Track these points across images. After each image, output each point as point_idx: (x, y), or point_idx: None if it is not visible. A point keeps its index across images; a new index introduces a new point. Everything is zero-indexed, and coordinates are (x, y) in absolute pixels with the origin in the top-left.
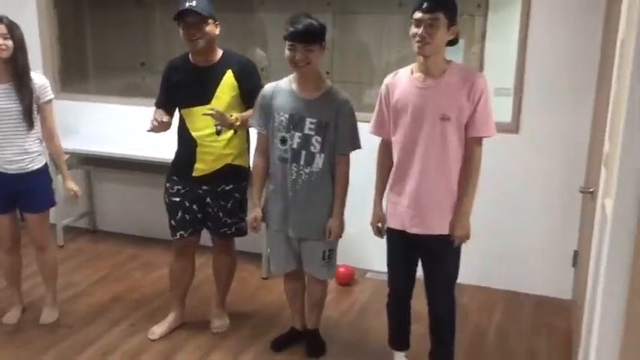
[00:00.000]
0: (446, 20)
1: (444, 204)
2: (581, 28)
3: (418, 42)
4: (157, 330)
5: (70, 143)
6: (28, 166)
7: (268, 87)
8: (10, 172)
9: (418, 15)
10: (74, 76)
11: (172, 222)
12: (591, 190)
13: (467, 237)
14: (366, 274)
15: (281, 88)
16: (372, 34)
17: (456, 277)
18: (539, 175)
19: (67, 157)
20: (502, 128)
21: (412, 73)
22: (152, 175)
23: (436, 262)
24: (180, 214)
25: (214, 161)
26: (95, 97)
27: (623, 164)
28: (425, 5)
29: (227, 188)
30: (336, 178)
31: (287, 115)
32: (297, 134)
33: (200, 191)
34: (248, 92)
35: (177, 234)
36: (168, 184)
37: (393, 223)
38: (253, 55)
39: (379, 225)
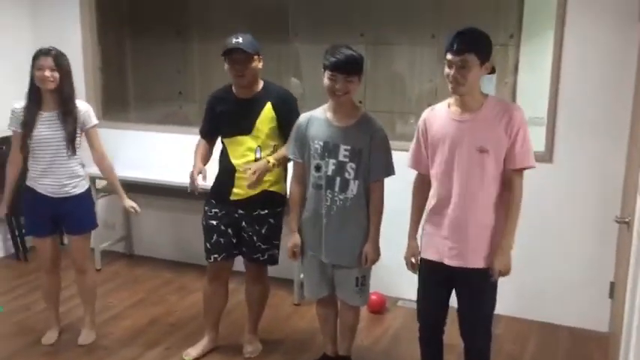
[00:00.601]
0: (478, 60)
1: (482, 237)
2: (615, 57)
3: (451, 83)
4: (192, 352)
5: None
6: (72, 190)
7: (303, 117)
8: (53, 195)
9: (449, 56)
10: (115, 105)
11: (207, 245)
12: (627, 220)
13: (507, 272)
14: (398, 302)
15: (315, 117)
16: (405, 64)
17: (492, 313)
18: (574, 205)
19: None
20: (535, 158)
21: (449, 106)
22: (188, 201)
23: (474, 298)
24: (215, 237)
25: (249, 190)
26: (135, 125)
27: None
28: (455, 47)
29: (262, 213)
30: (371, 204)
31: (321, 143)
32: (332, 161)
33: (236, 215)
34: (286, 124)
35: (212, 257)
36: (206, 207)
37: (429, 254)
38: (289, 83)
39: (412, 260)
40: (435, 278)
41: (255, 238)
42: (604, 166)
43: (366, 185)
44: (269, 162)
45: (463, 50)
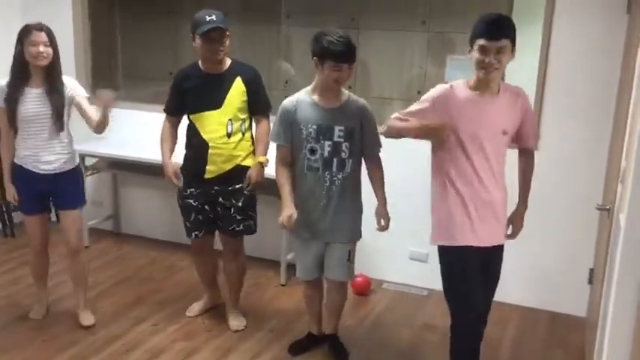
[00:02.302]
0: (511, 45)
1: (503, 214)
2: (602, 47)
3: (485, 68)
4: (195, 307)
5: (98, 147)
6: (62, 166)
7: (289, 102)
8: (43, 172)
9: (483, 42)
10: (104, 83)
11: (187, 223)
12: (608, 207)
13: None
14: (383, 284)
15: (302, 101)
16: (395, 50)
17: None
18: (556, 192)
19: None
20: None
21: (468, 87)
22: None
23: (495, 273)
24: (193, 215)
25: (224, 162)
26: (124, 103)
27: (637, 179)
28: (492, 33)
29: (237, 187)
30: (375, 177)
31: (315, 126)
32: (328, 143)
33: (213, 191)
34: (255, 101)
35: (193, 234)
36: (181, 189)
37: (467, 240)
38: (279, 66)
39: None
40: (474, 260)
41: (231, 210)
42: (588, 154)
43: (359, 162)
44: (261, 164)
45: (500, 36)
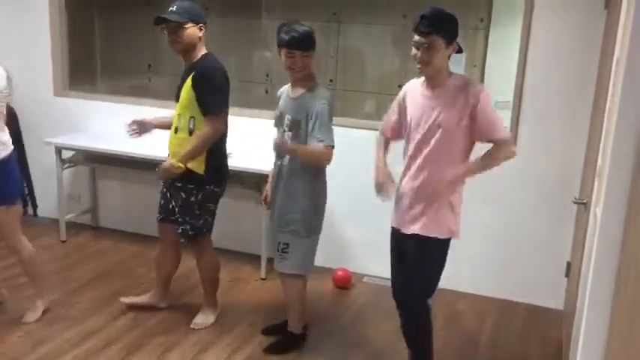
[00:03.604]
0: (443, 40)
1: (420, 204)
2: (581, 44)
3: (417, 64)
4: (129, 298)
5: (76, 140)
6: None
7: (280, 90)
8: None
9: (416, 38)
10: (82, 76)
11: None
12: (585, 201)
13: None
14: (364, 278)
15: (285, 89)
16: (377, 44)
17: None
18: (535, 186)
19: None
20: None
21: (422, 82)
22: (155, 173)
23: (408, 259)
24: (160, 198)
25: (171, 156)
26: (102, 96)
27: (612, 173)
28: (420, 28)
29: (176, 184)
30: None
31: (278, 113)
32: (280, 130)
33: (167, 182)
34: (201, 98)
35: (156, 216)
36: None
37: (392, 221)
38: (261, 58)
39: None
40: (393, 244)
41: (176, 209)
42: (566, 149)
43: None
44: (177, 164)
45: (428, 32)
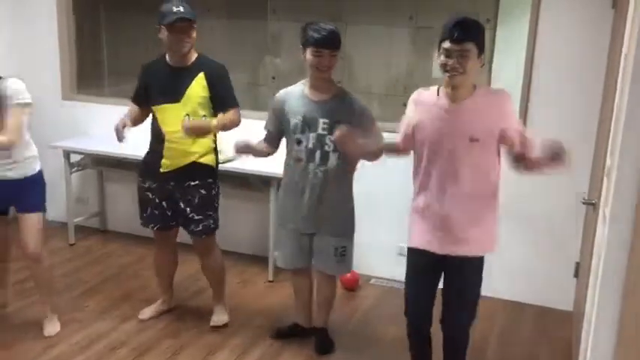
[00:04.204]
0: (476, 49)
1: (462, 224)
2: (588, 43)
3: (449, 72)
4: (147, 312)
5: (83, 144)
6: (13, 174)
7: (280, 93)
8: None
9: (448, 45)
10: (89, 79)
11: (144, 214)
12: (594, 201)
13: None
14: (371, 280)
15: (292, 93)
16: (382, 45)
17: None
18: (543, 186)
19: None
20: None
21: (438, 94)
22: None
23: (456, 284)
24: (149, 209)
25: (179, 158)
26: (109, 99)
27: (621, 173)
28: (456, 35)
29: (192, 184)
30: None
31: (300, 117)
32: (312, 135)
33: (169, 187)
34: (219, 97)
35: (150, 226)
36: (139, 179)
37: (415, 242)
38: (269, 61)
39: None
40: (421, 267)
41: (188, 209)
42: (574, 148)
43: (346, 156)
44: (212, 123)
45: (464, 39)
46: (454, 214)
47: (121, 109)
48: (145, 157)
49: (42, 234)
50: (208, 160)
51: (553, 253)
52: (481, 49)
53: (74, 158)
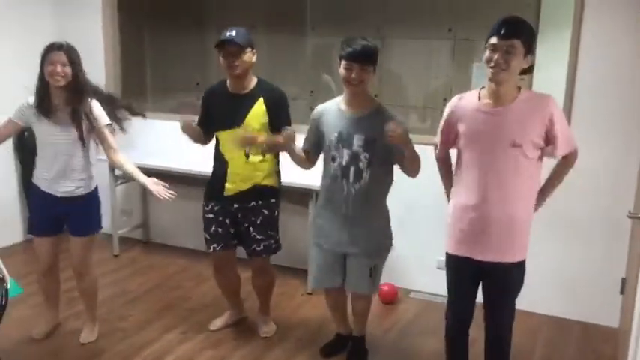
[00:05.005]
0: (523, 48)
1: (507, 229)
2: (631, 55)
3: (493, 67)
4: (217, 322)
5: (129, 157)
6: (78, 190)
7: (318, 109)
8: (60, 195)
9: (494, 40)
10: (134, 94)
11: (206, 235)
12: (639, 215)
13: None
14: (410, 293)
15: (329, 109)
16: (420, 58)
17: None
18: (588, 201)
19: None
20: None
21: (479, 98)
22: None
23: (495, 289)
24: (213, 227)
25: (242, 182)
26: (153, 114)
27: None
28: (503, 31)
29: (256, 205)
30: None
31: (336, 134)
32: (346, 151)
33: (232, 209)
34: (277, 122)
35: (211, 247)
36: (204, 202)
37: (454, 249)
38: (322, 79)
39: None
40: (464, 274)
41: (250, 229)
42: (618, 162)
43: (378, 174)
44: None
45: (510, 35)
46: (497, 219)
47: (163, 123)
48: (209, 182)
49: (92, 252)
50: (271, 182)
51: (598, 268)
52: (528, 50)
53: (119, 171)
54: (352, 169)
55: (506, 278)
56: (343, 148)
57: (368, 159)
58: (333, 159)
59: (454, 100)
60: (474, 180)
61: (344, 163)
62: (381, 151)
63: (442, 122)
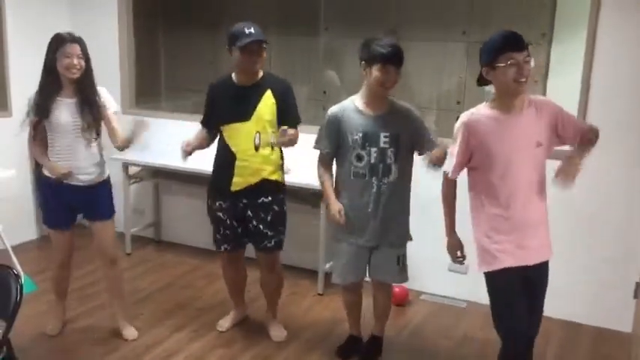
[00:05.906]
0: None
1: (543, 229)
2: None
3: (522, 81)
4: (224, 323)
5: (141, 156)
6: (93, 179)
7: (336, 109)
8: (74, 184)
9: (514, 55)
10: (147, 94)
11: (217, 235)
12: None
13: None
14: (421, 295)
15: (348, 109)
16: (435, 60)
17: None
18: (601, 205)
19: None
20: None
21: (490, 109)
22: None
23: (538, 290)
24: (222, 229)
25: (251, 175)
26: (166, 113)
27: None
28: (519, 44)
29: (266, 200)
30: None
31: (361, 134)
32: (374, 149)
33: (241, 205)
34: (285, 113)
35: (222, 247)
36: (209, 200)
37: (504, 262)
38: (326, 75)
39: (458, 253)
40: (517, 286)
41: (261, 226)
42: (632, 166)
43: (406, 166)
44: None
45: (525, 45)
46: (533, 220)
47: (176, 123)
48: (213, 178)
49: (115, 236)
50: (277, 176)
51: (612, 273)
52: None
53: (132, 170)
54: (381, 166)
55: (547, 276)
56: (370, 147)
57: (395, 154)
58: (359, 158)
59: (465, 118)
60: (501, 188)
61: (372, 161)
62: (405, 145)
63: (458, 142)
